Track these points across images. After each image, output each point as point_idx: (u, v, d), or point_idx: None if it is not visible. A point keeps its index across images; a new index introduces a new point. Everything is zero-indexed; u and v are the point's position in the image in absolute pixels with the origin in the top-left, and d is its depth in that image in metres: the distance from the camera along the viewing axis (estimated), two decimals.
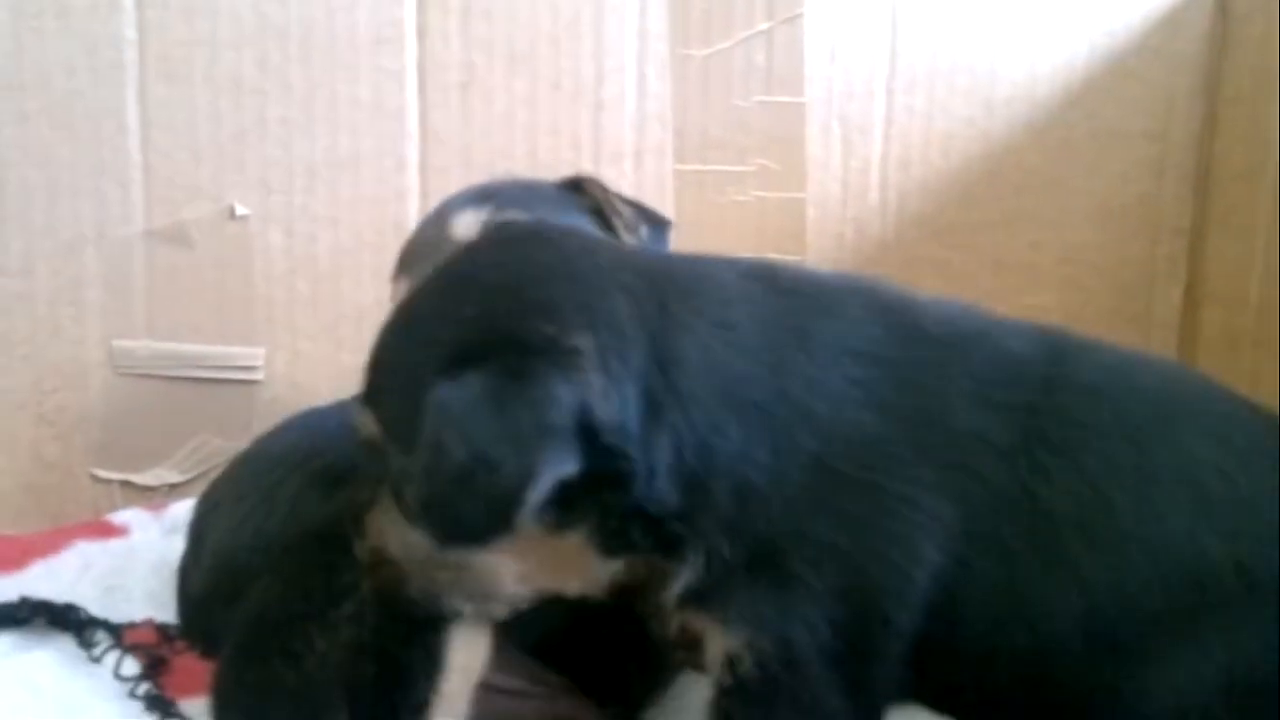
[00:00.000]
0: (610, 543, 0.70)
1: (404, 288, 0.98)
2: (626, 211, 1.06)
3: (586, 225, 1.02)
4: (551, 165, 1.30)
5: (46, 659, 0.93)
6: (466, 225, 0.98)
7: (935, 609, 0.70)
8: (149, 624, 1.02)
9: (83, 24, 1.23)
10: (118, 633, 0.97)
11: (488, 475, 0.61)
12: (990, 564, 0.70)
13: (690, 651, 0.74)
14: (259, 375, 1.30)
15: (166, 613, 1.07)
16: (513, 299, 0.68)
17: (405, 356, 0.70)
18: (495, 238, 0.81)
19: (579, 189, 1.06)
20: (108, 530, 1.24)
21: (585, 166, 1.31)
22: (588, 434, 0.64)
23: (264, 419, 1.27)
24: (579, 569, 0.72)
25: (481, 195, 1.03)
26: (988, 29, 1.38)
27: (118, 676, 0.91)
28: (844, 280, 0.82)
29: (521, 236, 0.77)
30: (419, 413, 0.63)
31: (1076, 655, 0.71)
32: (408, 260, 1.02)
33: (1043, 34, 1.39)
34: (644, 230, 1.06)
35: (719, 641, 0.71)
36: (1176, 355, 1.46)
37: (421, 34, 1.29)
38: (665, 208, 1.33)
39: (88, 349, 1.28)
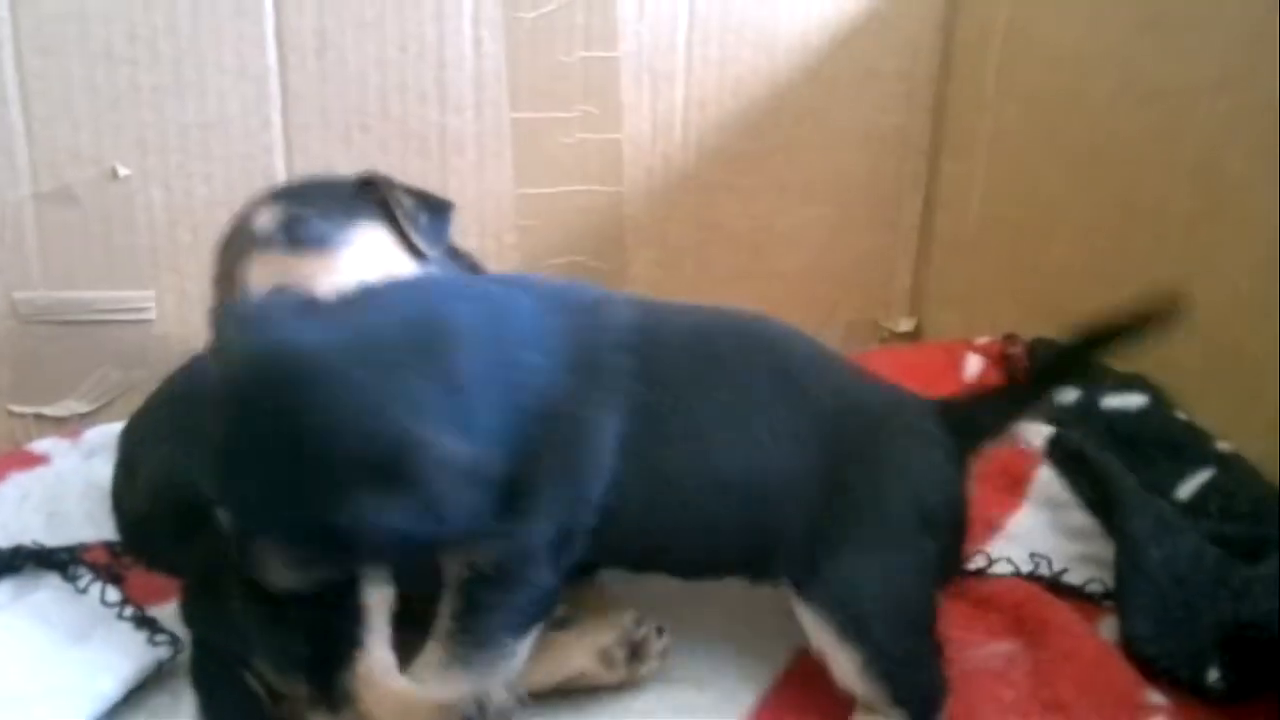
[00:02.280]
0: None
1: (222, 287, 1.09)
2: (408, 203, 1.11)
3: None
4: (401, 118, 1.44)
5: (47, 596, 1.04)
6: (264, 222, 1.05)
7: (611, 494, 0.89)
8: (100, 545, 1.12)
9: None
10: (94, 567, 1.07)
11: None
12: (637, 462, 0.89)
13: None
14: (151, 315, 1.41)
15: (105, 531, 1.15)
16: None
17: None
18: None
19: (369, 185, 1.11)
20: (32, 460, 1.31)
21: (431, 119, 1.44)
22: None
23: (157, 352, 1.39)
24: None
25: (278, 195, 1.10)
26: None
27: (104, 603, 1.02)
28: (513, 281, 1.00)
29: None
30: None
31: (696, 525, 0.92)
32: (218, 260, 1.10)
33: None
34: (424, 218, 1.11)
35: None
36: (917, 254, 1.74)
37: (278, 3, 1.36)
38: (504, 152, 1.49)
39: None
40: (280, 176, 1.40)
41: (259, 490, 0.77)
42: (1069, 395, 1.33)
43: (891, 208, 1.70)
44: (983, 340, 1.52)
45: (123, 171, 1.36)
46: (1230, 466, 1.16)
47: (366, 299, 0.86)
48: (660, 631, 0.98)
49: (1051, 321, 1.46)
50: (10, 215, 1.34)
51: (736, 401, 0.92)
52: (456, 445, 0.78)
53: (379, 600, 0.92)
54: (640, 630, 0.97)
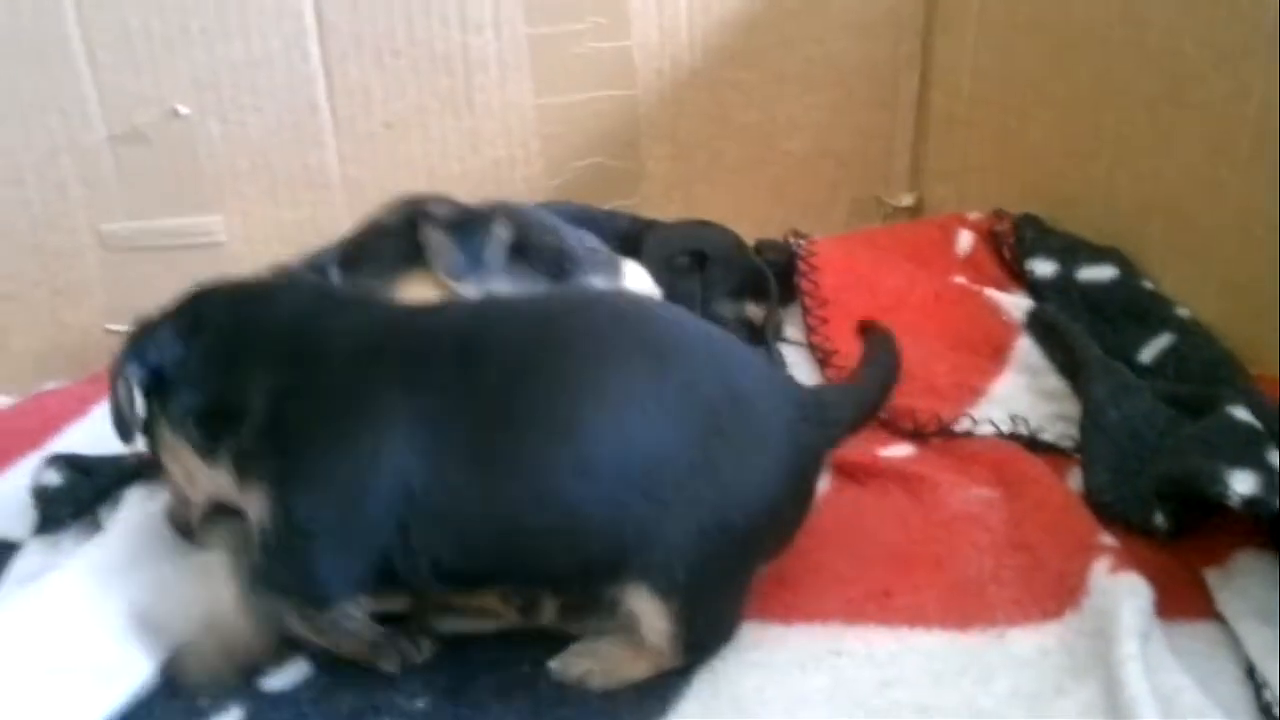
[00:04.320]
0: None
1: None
2: (436, 240, 1.14)
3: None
4: (427, 41, 1.51)
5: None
6: None
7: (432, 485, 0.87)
8: None
9: None
10: None
11: None
12: (464, 451, 0.87)
13: None
14: (220, 237, 1.52)
15: None
16: None
17: None
18: None
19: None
20: None
21: (454, 39, 1.52)
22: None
23: (228, 270, 1.51)
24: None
25: (341, 261, 1.17)
26: None
27: None
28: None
29: None
30: None
31: None
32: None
33: None
34: (455, 252, 1.14)
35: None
36: (915, 132, 1.80)
37: None
38: (523, 66, 1.56)
39: (78, 235, 1.48)
40: (321, 105, 1.49)
41: None
42: (1048, 268, 1.43)
43: (889, 88, 1.75)
44: (974, 216, 1.61)
45: (183, 110, 1.45)
46: (1189, 331, 1.27)
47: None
48: None
49: (1036, 197, 1.56)
50: (89, 157, 1.45)
51: (599, 382, 0.88)
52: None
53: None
54: None
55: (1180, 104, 1.28)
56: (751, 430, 0.90)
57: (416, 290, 1.12)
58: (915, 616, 0.98)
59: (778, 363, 1.40)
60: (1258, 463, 0.96)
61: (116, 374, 0.94)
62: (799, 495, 0.96)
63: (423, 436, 0.86)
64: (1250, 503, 0.94)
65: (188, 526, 1.03)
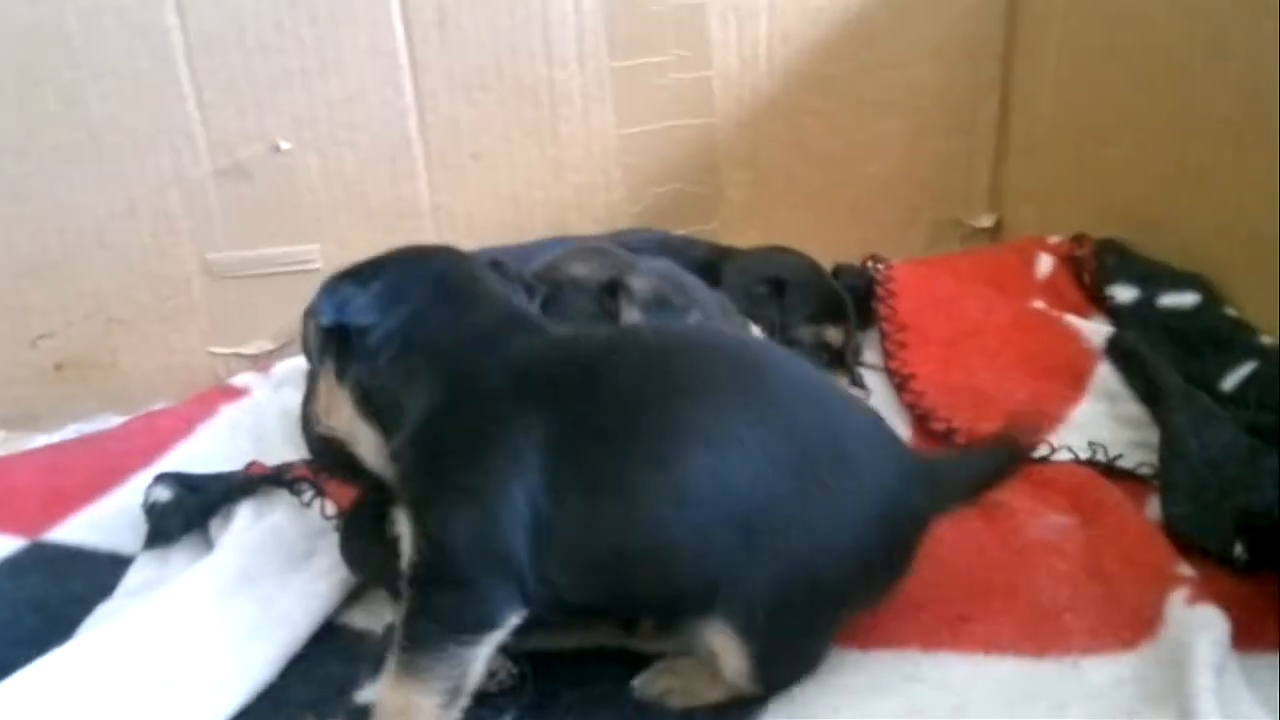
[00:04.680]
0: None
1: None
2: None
3: None
4: (515, 76, 1.57)
5: (281, 515, 1.19)
6: None
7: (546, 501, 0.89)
8: (300, 463, 1.25)
9: (134, 17, 1.43)
10: (316, 486, 1.20)
11: None
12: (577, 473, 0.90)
13: None
14: (317, 265, 1.59)
15: (300, 452, 1.27)
16: None
17: None
18: None
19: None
20: (235, 393, 1.49)
21: (541, 74, 1.57)
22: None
23: None
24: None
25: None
26: None
27: (324, 516, 1.18)
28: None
29: None
30: None
31: None
32: None
33: None
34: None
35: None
36: (995, 154, 1.80)
37: None
38: (606, 98, 1.61)
39: (185, 263, 1.56)
40: (414, 138, 1.55)
41: None
42: (1129, 294, 1.43)
43: (967, 112, 1.77)
44: (1054, 240, 1.61)
45: (284, 145, 1.53)
46: (1272, 359, 1.26)
47: None
48: None
49: (1117, 222, 1.55)
50: (196, 190, 1.53)
51: (706, 420, 0.89)
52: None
53: None
54: None
55: (1262, 131, 1.27)
56: (851, 488, 0.90)
57: None
58: (990, 643, 0.99)
59: (860, 386, 1.42)
60: None
61: (310, 313, 1.02)
62: (894, 557, 0.96)
63: (550, 463, 0.88)
64: None
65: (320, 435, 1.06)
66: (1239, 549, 1.03)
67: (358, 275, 1.01)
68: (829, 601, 0.92)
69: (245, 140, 1.52)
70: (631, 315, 1.15)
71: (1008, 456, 1.00)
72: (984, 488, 1.01)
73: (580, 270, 1.19)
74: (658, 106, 1.63)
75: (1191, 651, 0.90)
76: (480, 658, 0.89)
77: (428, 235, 1.59)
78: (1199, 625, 0.93)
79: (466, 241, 1.29)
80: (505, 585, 0.88)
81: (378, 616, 1.10)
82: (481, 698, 0.94)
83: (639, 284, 1.17)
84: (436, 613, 0.89)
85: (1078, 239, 1.57)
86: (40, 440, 1.49)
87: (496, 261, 1.11)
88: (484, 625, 0.89)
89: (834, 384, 1.04)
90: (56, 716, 0.95)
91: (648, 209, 1.68)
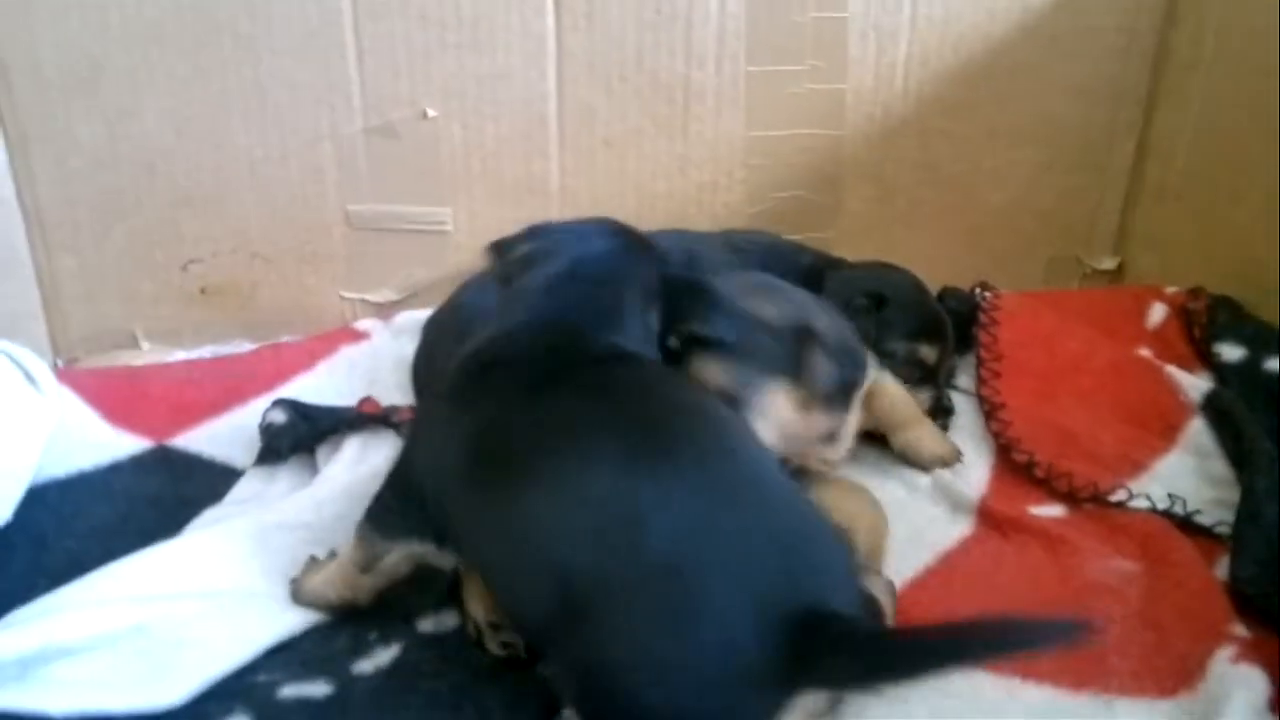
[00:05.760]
0: None
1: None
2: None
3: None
4: (653, 71, 1.62)
5: (382, 458, 1.26)
6: None
7: None
8: (407, 408, 1.35)
9: None
10: None
11: None
12: None
13: None
14: (448, 227, 1.67)
15: (406, 397, 1.42)
16: None
17: None
18: None
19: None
20: (357, 335, 1.58)
21: (678, 71, 1.61)
22: None
23: (452, 257, 1.68)
24: None
25: None
26: None
27: None
28: None
29: None
30: None
31: None
32: None
33: None
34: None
35: None
36: (1125, 197, 1.77)
37: None
38: (739, 100, 1.64)
39: (327, 211, 1.66)
40: (550, 120, 1.62)
41: None
42: (1236, 353, 1.41)
43: (1102, 152, 1.74)
44: (1171, 290, 1.59)
45: (431, 112, 1.62)
46: None
47: None
48: None
49: (1238, 280, 1.52)
50: (347, 145, 1.63)
51: (567, 466, 0.86)
52: None
53: None
54: None
55: None
56: (695, 610, 0.76)
57: (777, 398, 1.09)
58: (1028, 668, 1.00)
59: (947, 408, 1.43)
60: None
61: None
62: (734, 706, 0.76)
63: (462, 453, 0.93)
64: None
65: None
66: None
67: (506, 246, 1.11)
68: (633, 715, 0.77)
69: (396, 104, 1.61)
70: (821, 364, 1.10)
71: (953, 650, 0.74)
72: (893, 677, 0.77)
73: (769, 311, 1.13)
74: (788, 113, 1.66)
75: (1225, 707, 0.91)
76: (394, 552, 1.03)
77: (553, 213, 1.66)
78: (1239, 683, 0.93)
79: None
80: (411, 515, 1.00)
81: (449, 558, 1.17)
82: None
83: (830, 334, 1.14)
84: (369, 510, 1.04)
85: (1194, 292, 1.55)
86: (179, 356, 1.63)
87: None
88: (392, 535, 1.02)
89: (786, 495, 0.88)
90: (155, 601, 1.05)
91: (766, 211, 1.72)
